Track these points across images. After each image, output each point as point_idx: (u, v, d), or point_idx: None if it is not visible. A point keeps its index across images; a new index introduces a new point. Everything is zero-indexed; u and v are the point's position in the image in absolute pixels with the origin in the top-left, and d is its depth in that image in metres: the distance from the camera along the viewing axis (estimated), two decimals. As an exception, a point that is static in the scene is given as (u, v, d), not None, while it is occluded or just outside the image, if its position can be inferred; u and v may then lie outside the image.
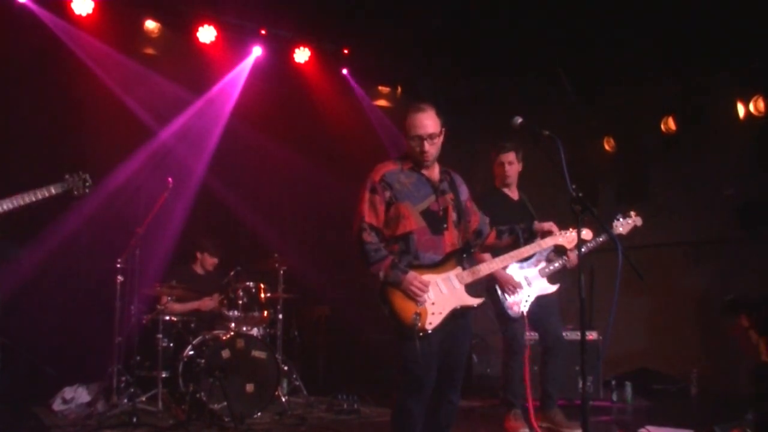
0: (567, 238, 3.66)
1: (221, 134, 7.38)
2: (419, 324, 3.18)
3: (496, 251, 3.73)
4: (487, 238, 3.64)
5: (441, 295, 3.27)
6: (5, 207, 3.20)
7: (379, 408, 5.71)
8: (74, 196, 3.55)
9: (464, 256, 3.40)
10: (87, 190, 3.58)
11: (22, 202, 3.27)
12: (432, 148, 3.34)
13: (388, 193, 3.32)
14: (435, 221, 3.34)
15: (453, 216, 3.41)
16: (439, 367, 3.30)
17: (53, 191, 3.46)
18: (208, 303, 6.06)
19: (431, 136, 3.32)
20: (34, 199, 3.32)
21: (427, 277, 3.26)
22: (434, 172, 3.44)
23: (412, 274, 3.22)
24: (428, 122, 3.33)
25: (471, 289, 3.36)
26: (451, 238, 3.38)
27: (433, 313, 3.23)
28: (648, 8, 6.08)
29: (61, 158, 6.10)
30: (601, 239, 4.63)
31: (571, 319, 5.88)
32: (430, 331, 3.21)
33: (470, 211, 3.58)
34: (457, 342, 3.37)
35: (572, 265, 4.74)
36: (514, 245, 3.60)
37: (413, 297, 3.20)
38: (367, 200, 3.33)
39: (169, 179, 5.40)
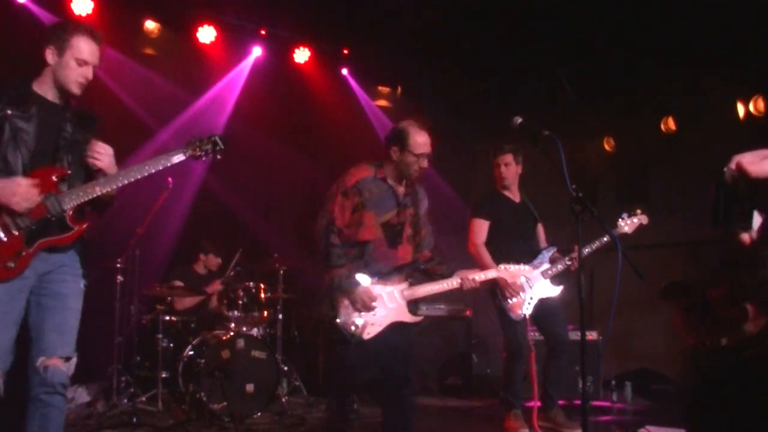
0: (501, 271, 3.72)
1: (220, 134, 7.37)
2: (358, 332, 3.34)
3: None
4: (422, 255, 3.67)
5: (383, 308, 3.41)
6: (124, 181, 2.91)
7: (379, 408, 5.71)
8: (203, 161, 3.17)
9: (412, 270, 3.54)
10: (219, 156, 3.13)
11: (141, 174, 2.96)
12: (425, 167, 3.51)
13: (357, 199, 3.44)
14: (392, 234, 3.49)
15: (408, 231, 3.55)
16: (387, 373, 3.44)
17: (178, 159, 3.04)
18: (213, 288, 6.08)
19: (429, 156, 3.50)
20: (157, 168, 2.98)
21: (375, 288, 3.40)
22: (401, 186, 3.57)
23: (363, 288, 3.36)
24: (429, 141, 3.49)
25: (412, 306, 3.48)
26: (403, 252, 3.53)
27: (372, 324, 3.38)
28: (648, 8, 6.08)
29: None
30: (605, 239, 4.62)
31: (571, 319, 5.88)
32: (365, 340, 3.36)
33: (424, 224, 3.67)
34: (397, 353, 3.46)
35: (575, 267, 4.72)
36: (431, 277, 3.63)
37: (360, 308, 3.35)
38: (339, 203, 3.44)
39: (169, 179, 5.40)
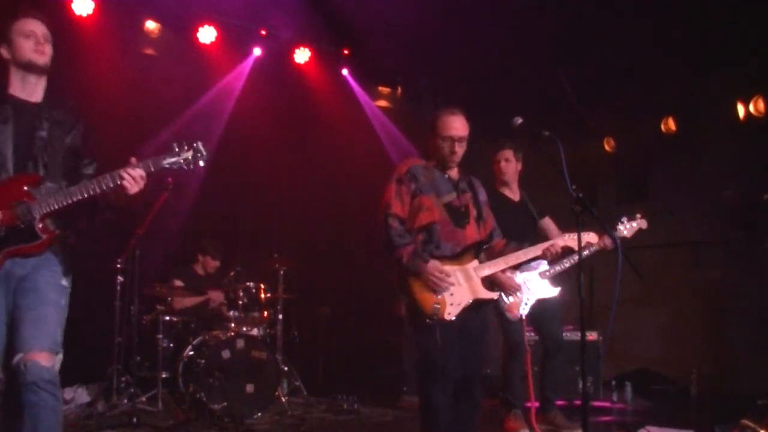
0: (574, 239, 3.60)
1: (221, 135, 7.36)
2: (439, 314, 3.25)
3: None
4: (495, 243, 3.69)
5: (459, 286, 3.34)
6: (97, 189, 2.80)
7: (379, 408, 5.72)
8: (184, 170, 3.09)
9: (481, 250, 3.49)
10: (202, 162, 3.07)
11: (114, 182, 2.84)
12: (461, 150, 3.51)
13: (413, 185, 3.44)
14: (457, 215, 3.47)
15: (474, 212, 3.56)
16: (463, 364, 3.37)
17: (161, 164, 3.02)
18: (215, 296, 6.06)
19: (461, 139, 3.51)
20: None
21: (447, 267, 3.32)
22: (454, 172, 3.59)
23: (433, 263, 3.28)
24: (460, 125, 3.52)
25: (486, 282, 3.44)
26: (471, 232, 3.50)
27: (452, 304, 3.30)
28: (648, 8, 6.08)
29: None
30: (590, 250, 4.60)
31: (571, 319, 5.88)
32: (448, 321, 3.27)
33: (488, 213, 3.71)
34: (475, 334, 3.44)
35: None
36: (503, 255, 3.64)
37: (433, 286, 3.26)
38: (394, 190, 3.44)
39: (169, 179, 5.39)
